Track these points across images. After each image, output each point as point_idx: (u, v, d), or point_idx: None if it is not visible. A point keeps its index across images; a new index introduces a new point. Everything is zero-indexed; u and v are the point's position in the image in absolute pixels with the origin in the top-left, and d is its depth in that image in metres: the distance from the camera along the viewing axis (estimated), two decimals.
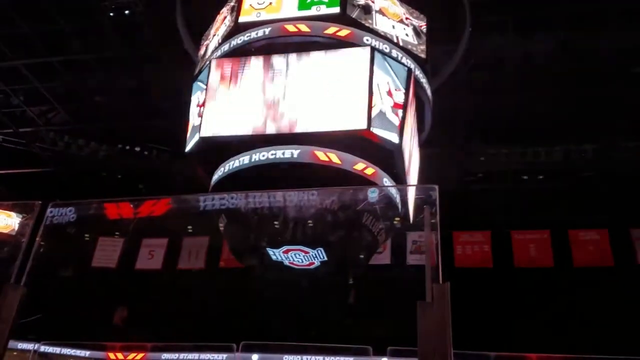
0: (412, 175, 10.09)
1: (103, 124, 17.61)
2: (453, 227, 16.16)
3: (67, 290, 16.39)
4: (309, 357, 14.13)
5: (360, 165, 9.01)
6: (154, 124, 16.82)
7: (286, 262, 9.44)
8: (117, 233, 16.15)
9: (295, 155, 8.79)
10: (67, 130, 17.99)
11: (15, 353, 14.87)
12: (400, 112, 8.88)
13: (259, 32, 9.53)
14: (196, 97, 9.85)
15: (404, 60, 9.65)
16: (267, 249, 9.33)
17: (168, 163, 17.99)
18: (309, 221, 9.01)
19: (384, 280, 15.39)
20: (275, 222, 9.09)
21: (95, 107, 17.10)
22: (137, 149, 17.85)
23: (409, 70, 9.47)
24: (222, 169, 9.57)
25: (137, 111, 16.73)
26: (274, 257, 9.37)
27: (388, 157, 9.16)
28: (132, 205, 7.53)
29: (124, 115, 16.98)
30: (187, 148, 9.66)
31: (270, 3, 9.81)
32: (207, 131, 9.13)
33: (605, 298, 15.20)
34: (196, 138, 9.22)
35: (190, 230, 15.87)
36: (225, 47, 9.86)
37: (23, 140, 17.83)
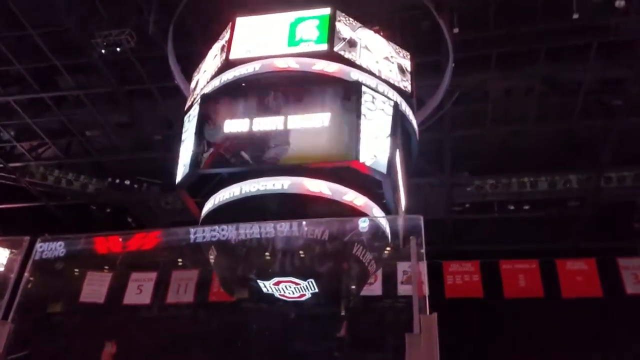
0: (401, 205, 10.15)
1: (93, 158, 17.64)
2: (443, 256, 16.17)
3: (55, 326, 16.06)
4: None
5: (350, 196, 9.03)
6: (144, 157, 16.86)
7: (277, 295, 9.32)
8: (106, 267, 15.95)
9: (285, 187, 8.79)
10: (57, 165, 17.99)
11: None
12: (387, 144, 8.98)
13: (249, 68, 9.63)
14: (186, 130, 9.88)
15: (390, 94, 9.79)
16: (258, 281, 9.24)
17: (158, 196, 18.00)
18: (300, 252, 8.95)
19: (375, 311, 15.26)
20: (266, 254, 9.00)
21: (86, 142, 17.14)
22: (127, 182, 17.82)
23: (395, 104, 9.61)
24: (212, 200, 9.56)
25: (127, 145, 16.80)
26: (264, 290, 9.27)
27: (377, 188, 9.24)
28: (121, 239, 7.49)
29: (114, 149, 17.04)
30: (177, 180, 9.62)
31: (260, 40, 9.99)
32: (198, 165, 9.11)
33: (595, 329, 15.14)
34: (186, 171, 9.21)
35: (180, 264, 15.73)
36: (216, 82, 9.95)
37: (13, 175, 17.74)
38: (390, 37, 10.83)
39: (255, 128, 9.03)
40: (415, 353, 4.26)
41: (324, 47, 9.59)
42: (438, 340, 4.40)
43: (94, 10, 12.69)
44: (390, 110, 9.39)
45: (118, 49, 12.81)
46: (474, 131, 15.01)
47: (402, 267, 14.37)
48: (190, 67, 11.89)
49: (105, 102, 15.52)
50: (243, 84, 9.72)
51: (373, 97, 9.27)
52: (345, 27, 9.95)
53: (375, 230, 8.08)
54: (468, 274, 15.59)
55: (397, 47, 10.78)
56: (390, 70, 10.27)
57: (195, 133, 9.28)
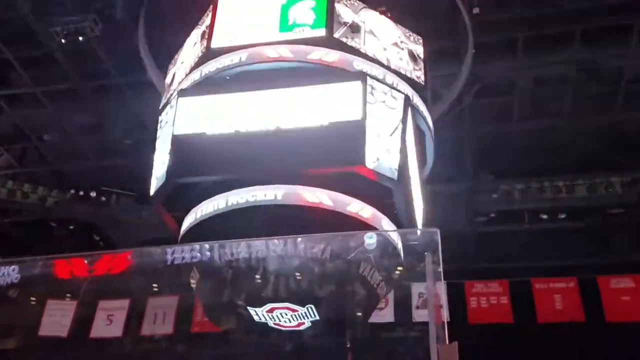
0: (415, 216, 10.13)
1: (53, 167, 17.63)
2: (465, 275, 16.15)
3: None
4: None
5: (355, 207, 9.08)
6: (113, 164, 16.88)
7: (271, 323, 9.35)
8: (68, 295, 15.91)
9: (279, 197, 8.84)
10: (11, 175, 17.97)
11: None
12: (398, 144, 9.04)
13: (234, 58, 9.68)
14: (162, 132, 9.94)
15: (399, 86, 9.83)
16: (248, 308, 9.24)
17: (130, 209, 17.99)
18: (297, 274, 8.97)
19: (386, 341, 15.22)
20: (257, 276, 9.02)
21: (45, 148, 17.14)
22: (93, 194, 17.83)
23: (406, 98, 9.66)
24: (193, 214, 9.61)
25: (93, 150, 16.81)
26: (256, 318, 9.28)
27: (387, 197, 9.26)
28: (87, 262, 7.51)
29: (78, 155, 17.06)
30: (152, 191, 9.68)
31: (247, 25, 10.05)
32: (176, 172, 9.18)
33: None
34: (163, 180, 9.26)
35: (156, 289, 15.70)
36: (196, 75, 10.01)
37: None
38: (399, 19, 10.87)
39: (243, 129, 9.07)
40: None
41: (321, 32, 9.66)
42: None
43: None
44: (400, 105, 9.45)
45: (80, 39, 12.83)
46: (499, 128, 15.04)
47: (417, 288, 14.33)
48: (165, 58, 11.93)
49: (66, 100, 15.54)
50: (227, 77, 9.77)
51: (380, 90, 9.32)
52: (346, 9, 10.03)
53: (385, 247, 8.07)
54: (495, 295, 15.56)
55: (408, 30, 10.85)
56: (400, 59, 10.33)
57: (172, 135, 9.30)
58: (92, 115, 15.95)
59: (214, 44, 9.96)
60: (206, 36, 10.15)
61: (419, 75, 10.46)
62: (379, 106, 9.17)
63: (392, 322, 15.03)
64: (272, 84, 9.37)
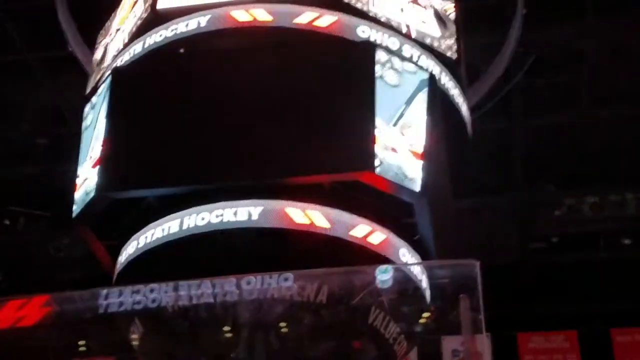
0: (447, 243, 10.11)
1: None
2: (518, 325, 16.14)
3: None
4: None
5: (361, 230, 9.00)
6: (19, 173, 17.01)
7: None
8: None
9: (255, 217, 8.75)
10: None
11: None
12: (420, 143, 9.02)
13: (191, 24, 9.72)
14: (90, 129, 9.96)
15: (422, 61, 9.90)
16: None
17: (45, 237, 17.97)
18: (281, 325, 9.00)
19: None
20: (225, 329, 9.08)
21: None
22: None
23: (431, 78, 9.71)
24: (134, 243, 9.55)
25: None
26: None
27: (406, 215, 9.27)
28: None
29: None
30: (76, 211, 9.65)
31: None
32: (109, 184, 9.21)
33: None
34: (91, 195, 9.26)
35: (82, 349, 15.64)
36: (137, 47, 10.10)
37: None
38: None
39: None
40: None
41: None
42: None
43: None
44: (424, 87, 9.45)
45: None
46: (562, 119, 15.06)
47: (450, 344, 14.38)
48: (95, 25, 11.98)
49: None
50: (181, 50, 9.88)
51: (395, 67, 9.31)
52: None
53: (405, 286, 8.06)
54: (560, 352, 15.66)
55: None
56: (424, 22, 10.44)
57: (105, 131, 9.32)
58: None
59: (162, 4, 10.00)
60: None
61: (449, 44, 10.55)
62: (376, 84, 9.16)
63: None
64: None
